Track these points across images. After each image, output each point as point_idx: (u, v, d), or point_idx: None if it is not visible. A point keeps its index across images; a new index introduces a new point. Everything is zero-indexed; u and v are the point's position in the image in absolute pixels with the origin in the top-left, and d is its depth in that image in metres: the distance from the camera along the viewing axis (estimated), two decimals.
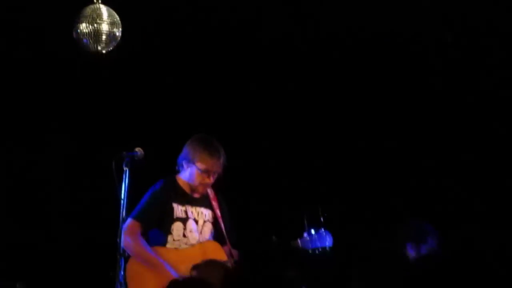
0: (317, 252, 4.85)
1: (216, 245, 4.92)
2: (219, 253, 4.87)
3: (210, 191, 5.01)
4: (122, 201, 4.20)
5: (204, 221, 4.95)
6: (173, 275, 4.64)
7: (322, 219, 4.82)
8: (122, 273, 4.08)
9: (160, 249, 4.78)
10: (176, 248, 4.81)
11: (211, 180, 4.88)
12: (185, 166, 4.90)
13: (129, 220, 4.78)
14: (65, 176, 5.95)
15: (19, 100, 5.83)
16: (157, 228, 4.81)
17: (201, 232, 4.92)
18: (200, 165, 4.82)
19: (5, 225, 5.75)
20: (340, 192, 6.15)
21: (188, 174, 4.89)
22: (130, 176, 4.22)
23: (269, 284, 3.48)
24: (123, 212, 4.19)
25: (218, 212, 4.99)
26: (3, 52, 5.62)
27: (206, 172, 4.83)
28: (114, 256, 4.62)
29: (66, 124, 5.93)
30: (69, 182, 5.94)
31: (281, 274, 3.62)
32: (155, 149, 4.88)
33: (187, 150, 4.90)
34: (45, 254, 5.74)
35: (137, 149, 4.35)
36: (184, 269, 4.66)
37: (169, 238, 4.83)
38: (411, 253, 5.14)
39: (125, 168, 4.21)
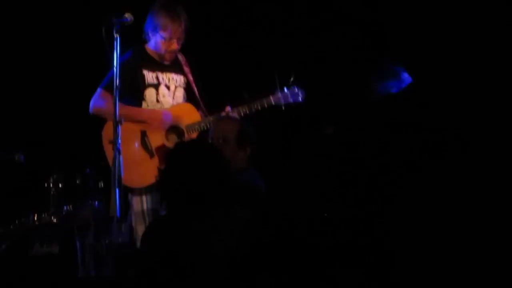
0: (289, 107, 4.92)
1: (190, 107, 4.98)
2: (194, 115, 4.95)
3: (181, 57, 5.02)
4: (114, 69, 4.13)
5: (176, 86, 4.98)
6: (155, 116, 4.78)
7: (292, 79, 4.89)
8: (119, 140, 4.07)
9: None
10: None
11: (177, 46, 4.87)
12: (150, 35, 4.88)
13: (98, 90, 4.80)
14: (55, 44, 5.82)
15: None
16: (129, 96, 4.77)
17: (173, 97, 4.96)
18: (162, 33, 4.81)
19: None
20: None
21: (154, 43, 4.89)
22: (121, 43, 4.14)
23: None
24: (117, 80, 4.13)
25: (190, 77, 5.02)
26: None
27: (170, 39, 4.82)
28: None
29: None
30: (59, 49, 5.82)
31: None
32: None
33: (150, 18, 4.86)
34: (43, 131, 5.72)
35: (127, 15, 4.22)
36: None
37: (143, 104, 4.87)
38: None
39: (115, 35, 4.11)
